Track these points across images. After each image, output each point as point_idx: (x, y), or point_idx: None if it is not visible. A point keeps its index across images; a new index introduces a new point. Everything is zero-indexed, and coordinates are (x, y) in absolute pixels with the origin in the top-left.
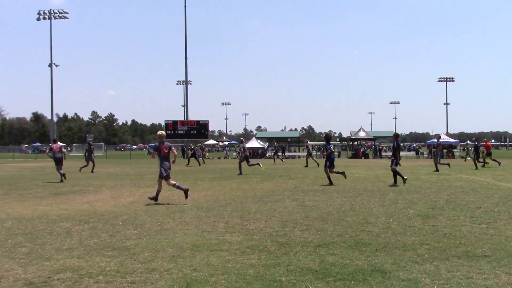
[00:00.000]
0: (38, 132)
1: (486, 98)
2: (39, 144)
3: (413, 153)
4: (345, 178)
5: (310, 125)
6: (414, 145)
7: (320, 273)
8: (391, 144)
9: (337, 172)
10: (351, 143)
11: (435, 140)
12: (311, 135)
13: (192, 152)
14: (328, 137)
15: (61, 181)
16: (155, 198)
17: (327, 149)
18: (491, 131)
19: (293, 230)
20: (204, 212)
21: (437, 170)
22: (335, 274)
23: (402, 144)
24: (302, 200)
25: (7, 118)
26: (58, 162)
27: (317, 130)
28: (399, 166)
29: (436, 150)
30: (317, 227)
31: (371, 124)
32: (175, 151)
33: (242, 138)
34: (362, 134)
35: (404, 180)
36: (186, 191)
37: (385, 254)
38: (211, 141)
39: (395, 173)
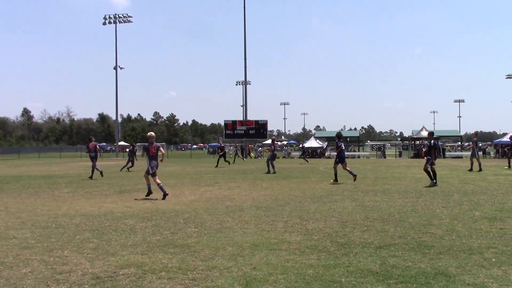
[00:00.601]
0: (104, 132)
1: None
2: (105, 143)
3: (480, 153)
4: (354, 181)
5: (370, 124)
6: (480, 144)
7: (381, 275)
8: (427, 143)
9: (350, 172)
10: (412, 142)
11: (508, 140)
12: (371, 135)
13: (222, 153)
14: (339, 135)
15: (102, 175)
16: (148, 193)
17: (339, 146)
18: None
19: (353, 230)
20: (263, 211)
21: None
22: (397, 276)
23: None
24: (362, 200)
25: (75, 119)
26: (93, 159)
27: (377, 129)
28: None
29: (510, 149)
30: (377, 228)
31: (433, 123)
32: (163, 150)
33: (274, 137)
34: (424, 134)
35: (433, 184)
36: (165, 195)
37: (450, 257)
38: (270, 141)
39: (428, 173)
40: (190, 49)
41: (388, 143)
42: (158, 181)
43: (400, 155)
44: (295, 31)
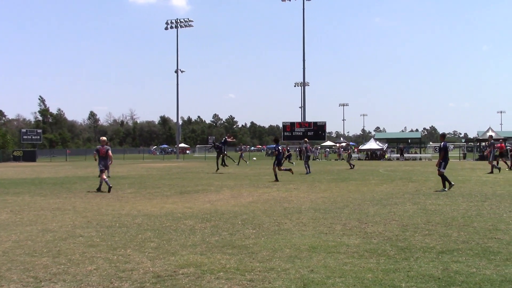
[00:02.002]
0: (165, 134)
1: None
2: (167, 145)
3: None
4: (292, 174)
5: (432, 125)
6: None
7: (443, 281)
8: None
9: (285, 169)
10: (478, 144)
11: None
12: (433, 136)
13: (241, 152)
14: (276, 139)
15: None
16: (98, 188)
17: (277, 150)
18: None
19: (414, 234)
20: (321, 214)
21: None
22: (460, 283)
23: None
24: (423, 203)
25: (138, 121)
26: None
27: (440, 131)
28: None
29: None
30: (440, 233)
31: (501, 124)
32: (110, 153)
33: (306, 139)
34: (490, 135)
35: (450, 186)
36: (109, 188)
37: None
38: (328, 142)
39: (443, 178)
40: (248, 51)
41: (452, 144)
42: (104, 176)
43: (464, 157)
44: (355, 31)
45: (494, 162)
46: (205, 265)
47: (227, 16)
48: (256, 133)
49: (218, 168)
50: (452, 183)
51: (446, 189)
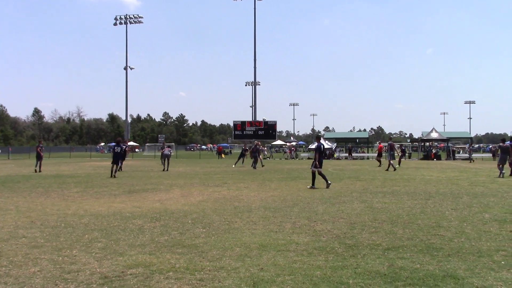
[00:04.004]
0: (113, 132)
1: None
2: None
3: (490, 155)
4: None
5: (379, 126)
6: (491, 146)
7: (389, 277)
8: (313, 145)
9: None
10: (422, 144)
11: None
12: (380, 136)
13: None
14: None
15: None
16: None
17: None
18: None
19: (361, 232)
20: (272, 212)
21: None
22: (405, 278)
23: (478, 146)
24: (370, 202)
25: (85, 119)
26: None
27: (387, 131)
28: (318, 169)
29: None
30: (386, 230)
31: (444, 125)
32: (41, 152)
33: (256, 141)
34: (434, 135)
35: (312, 187)
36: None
37: (458, 260)
38: (279, 142)
39: (316, 176)
40: (200, 49)
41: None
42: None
43: (409, 157)
44: (306, 32)
45: (393, 161)
46: (154, 265)
47: (178, 13)
48: (206, 132)
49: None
50: (329, 181)
51: (315, 187)
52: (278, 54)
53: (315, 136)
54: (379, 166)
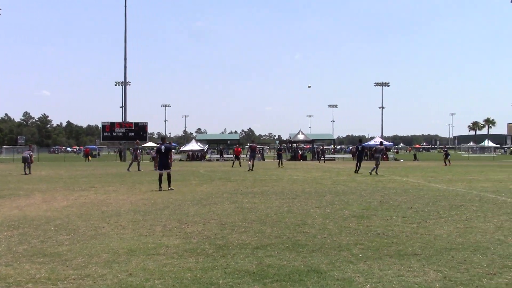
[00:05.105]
0: None
1: (418, 103)
2: None
3: (350, 155)
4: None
5: (250, 127)
6: (351, 147)
7: (257, 275)
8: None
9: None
10: (289, 145)
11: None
12: (251, 137)
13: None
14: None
15: None
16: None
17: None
18: (422, 134)
19: (231, 232)
20: (141, 216)
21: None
22: (272, 275)
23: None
24: (241, 202)
25: None
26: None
27: (257, 133)
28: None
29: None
30: (255, 229)
31: (309, 127)
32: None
33: (137, 141)
34: (301, 137)
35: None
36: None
37: (321, 255)
38: (150, 143)
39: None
40: (65, 45)
41: (267, 146)
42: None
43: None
44: (179, 32)
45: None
46: (11, 277)
47: (41, 7)
48: (72, 133)
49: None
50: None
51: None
52: (150, 53)
53: (160, 137)
54: (232, 167)
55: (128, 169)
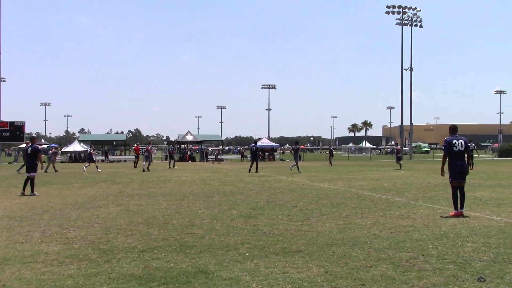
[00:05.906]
0: None
1: (303, 105)
2: None
3: (239, 156)
4: None
5: (137, 128)
6: (239, 148)
7: (143, 279)
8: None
9: None
10: (178, 146)
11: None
12: (138, 138)
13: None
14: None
15: None
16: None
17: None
18: (307, 136)
19: (116, 236)
20: (17, 222)
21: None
22: (159, 278)
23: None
24: (127, 204)
25: None
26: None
27: (144, 133)
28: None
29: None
30: (141, 232)
31: (198, 128)
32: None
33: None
34: (189, 138)
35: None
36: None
37: (209, 255)
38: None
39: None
40: None
41: (155, 147)
42: None
43: (166, 159)
44: (61, 28)
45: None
46: None
47: None
48: None
49: None
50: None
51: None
52: (27, 49)
53: (30, 137)
54: (135, 167)
55: (45, 171)
